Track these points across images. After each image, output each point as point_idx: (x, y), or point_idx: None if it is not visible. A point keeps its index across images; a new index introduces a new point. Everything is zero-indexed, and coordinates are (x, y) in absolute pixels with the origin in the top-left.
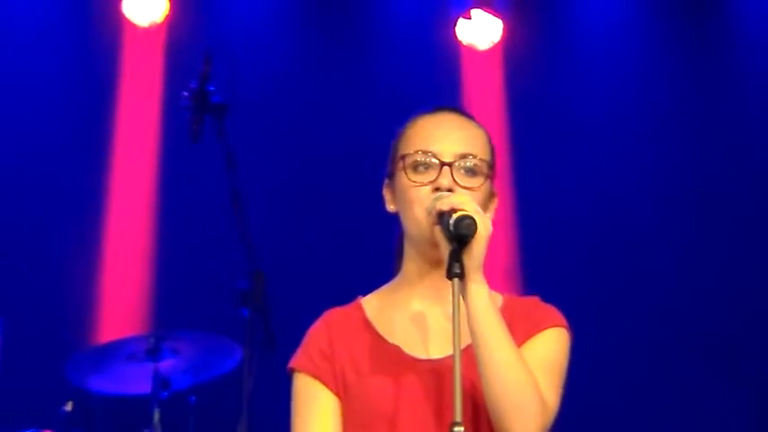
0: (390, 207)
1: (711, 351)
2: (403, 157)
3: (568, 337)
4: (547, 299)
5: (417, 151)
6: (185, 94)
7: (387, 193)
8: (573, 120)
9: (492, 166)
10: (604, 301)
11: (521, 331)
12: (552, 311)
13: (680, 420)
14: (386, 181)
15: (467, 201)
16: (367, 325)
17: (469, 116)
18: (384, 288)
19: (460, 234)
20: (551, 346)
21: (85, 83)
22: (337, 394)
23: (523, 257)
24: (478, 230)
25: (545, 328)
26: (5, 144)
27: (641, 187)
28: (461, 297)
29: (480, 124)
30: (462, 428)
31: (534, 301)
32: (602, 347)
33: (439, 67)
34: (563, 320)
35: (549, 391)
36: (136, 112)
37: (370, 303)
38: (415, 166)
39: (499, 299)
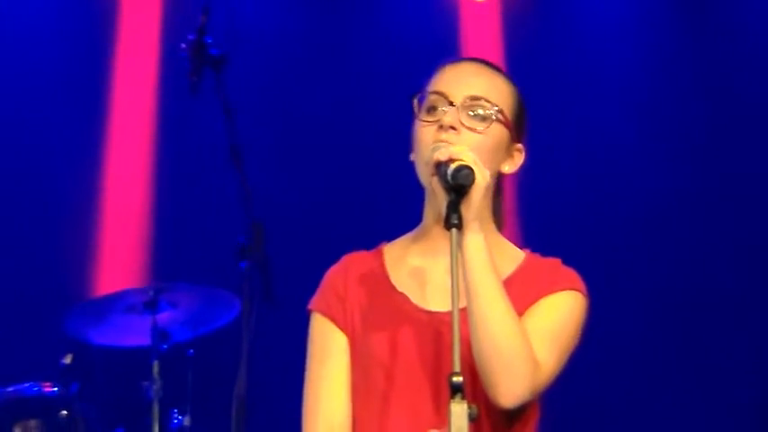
0: (411, 156)
1: (709, 344)
2: (417, 99)
3: (583, 303)
4: (551, 254)
5: (430, 92)
6: (183, 46)
7: (412, 143)
8: (571, 73)
9: (512, 117)
10: (602, 255)
11: (535, 290)
12: (571, 274)
13: (674, 412)
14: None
15: (465, 151)
16: (382, 272)
17: (499, 69)
18: (406, 236)
19: (458, 184)
20: (561, 308)
21: (83, 35)
22: (348, 337)
23: (522, 212)
24: (476, 180)
25: (559, 290)
26: (2, 96)
27: (644, 143)
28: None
29: (509, 80)
30: (461, 378)
31: (555, 262)
32: (596, 331)
33: (437, 20)
34: (581, 285)
35: (546, 354)
36: (134, 64)
37: (390, 251)
38: (428, 108)
39: (520, 257)
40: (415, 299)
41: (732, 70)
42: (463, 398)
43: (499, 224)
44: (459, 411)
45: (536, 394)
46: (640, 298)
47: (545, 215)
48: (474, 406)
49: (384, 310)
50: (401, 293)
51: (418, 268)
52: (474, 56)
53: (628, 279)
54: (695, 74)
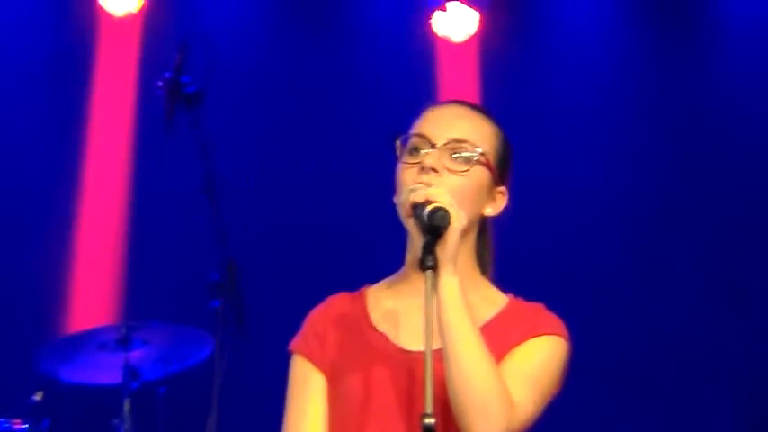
0: (395, 198)
1: (694, 349)
2: (400, 142)
3: (565, 347)
4: (524, 296)
5: (413, 134)
6: (160, 84)
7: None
8: (548, 112)
9: (496, 160)
10: (580, 297)
11: (516, 334)
12: (553, 319)
13: (662, 420)
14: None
15: (441, 193)
16: (363, 312)
17: (485, 112)
18: (388, 278)
19: (433, 225)
20: (541, 353)
21: (60, 72)
22: (326, 377)
23: (500, 251)
24: (452, 223)
25: (540, 335)
26: None
27: (620, 181)
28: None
29: (494, 122)
30: (433, 420)
31: (538, 307)
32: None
33: (414, 60)
34: (562, 330)
35: (523, 396)
36: (111, 101)
37: (373, 292)
38: (410, 150)
39: (503, 301)
40: (394, 338)
41: (718, 102)
42: None
43: (485, 267)
44: None
45: None
46: (622, 340)
47: (525, 251)
48: None
49: (362, 349)
50: (380, 333)
51: (397, 309)
52: (451, 96)
53: (607, 319)
54: (678, 110)
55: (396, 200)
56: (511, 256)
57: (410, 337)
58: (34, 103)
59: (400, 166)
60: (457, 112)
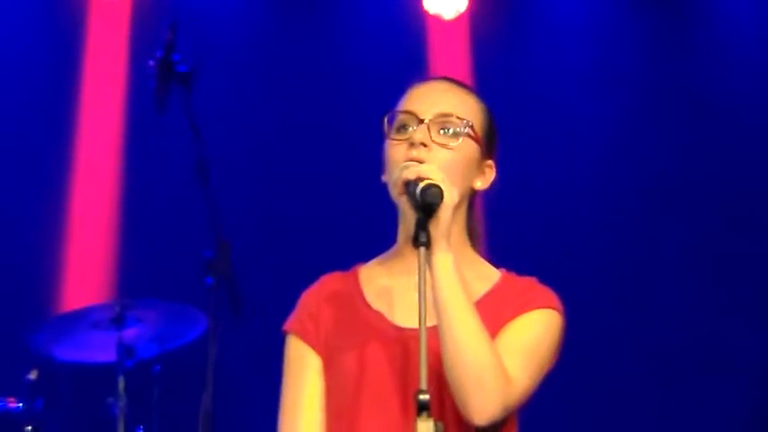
0: (383, 177)
1: (698, 345)
2: (387, 119)
3: (559, 321)
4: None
5: (400, 111)
6: (151, 63)
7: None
8: (539, 90)
9: (483, 133)
10: (572, 284)
11: (510, 308)
12: (547, 293)
13: (663, 415)
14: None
15: (433, 169)
16: (357, 291)
17: (468, 87)
18: (381, 256)
19: (426, 203)
20: (536, 327)
21: (51, 52)
22: (322, 358)
23: (491, 227)
24: (444, 199)
25: (534, 308)
26: None
27: (611, 160)
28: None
29: (478, 97)
30: (428, 396)
31: (531, 281)
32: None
33: (405, 37)
34: (556, 303)
35: (519, 370)
36: (101, 81)
37: (365, 271)
38: (398, 127)
39: (496, 276)
40: (389, 316)
41: (707, 63)
42: (429, 415)
43: (474, 242)
44: (425, 429)
45: (509, 411)
46: (618, 317)
47: (513, 232)
48: (440, 423)
49: (357, 328)
50: (376, 311)
51: (391, 286)
52: (442, 73)
53: (600, 296)
54: (672, 84)
55: (385, 178)
56: (503, 234)
57: (405, 315)
58: (25, 84)
59: (388, 143)
60: (442, 87)
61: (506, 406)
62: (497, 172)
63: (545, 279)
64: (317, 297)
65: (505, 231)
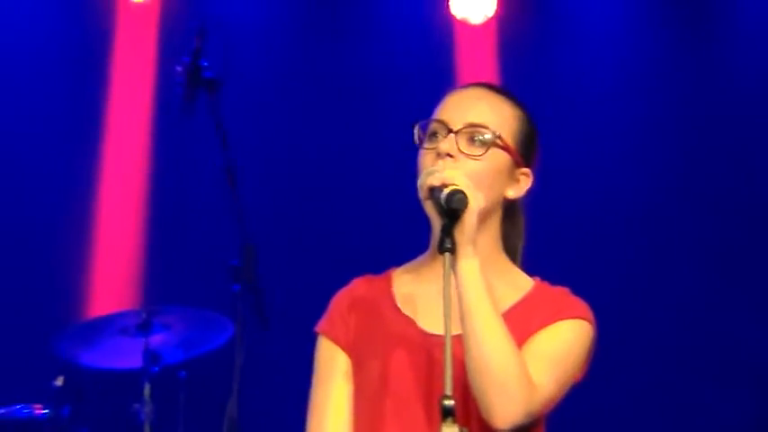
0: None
1: (707, 341)
2: (420, 127)
3: (590, 331)
4: (535, 273)
5: (433, 120)
6: (178, 69)
7: None
8: (566, 95)
9: (516, 142)
10: (599, 264)
11: (540, 317)
12: (578, 303)
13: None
14: None
15: (458, 175)
16: (389, 295)
17: (506, 93)
18: (414, 261)
19: (451, 209)
20: (564, 336)
21: (79, 58)
22: (351, 359)
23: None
24: (469, 205)
25: (564, 318)
26: None
27: (637, 166)
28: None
29: (516, 103)
30: (452, 402)
31: (563, 291)
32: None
33: (432, 42)
34: (588, 314)
35: (544, 378)
36: (129, 87)
37: (398, 275)
38: (429, 135)
39: (529, 284)
40: (421, 322)
41: (729, 73)
42: (454, 421)
43: (513, 252)
44: None
45: (532, 417)
46: (645, 318)
47: (545, 235)
48: (466, 429)
49: (382, 332)
50: (406, 316)
51: (419, 292)
52: (470, 79)
53: (624, 286)
54: (692, 90)
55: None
56: (532, 230)
57: (432, 321)
58: (54, 90)
59: (421, 151)
60: (476, 94)
61: (529, 412)
62: (535, 179)
63: (569, 282)
64: (348, 300)
65: (537, 232)
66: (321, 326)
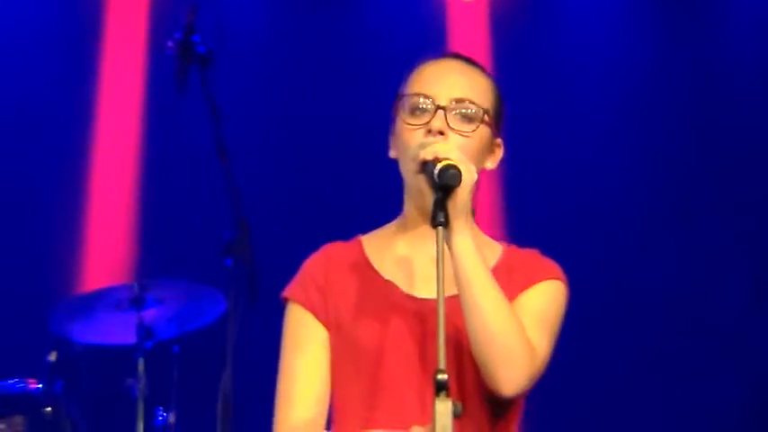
0: (392, 153)
1: (698, 332)
2: (401, 101)
3: (565, 291)
4: (529, 239)
5: (414, 94)
6: (170, 44)
7: (391, 140)
8: (558, 72)
9: (494, 114)
10: (590, 254)
11: (518, 282)
12: (550, 265)
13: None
14: (390, 128)
15: (451, 149)
16: (365, 261)
17: (476, 64)
18: (383, 228)
19: (444, 183)
20: (546, 297)
21: (70, 32)
22: (327, 327)
23: (508, 208)
24: (463, 179)
25: (541, 280)
26: None
27: (629, 141)
28: (446, 245)
29: (488, 74)
30: (446, 376)
31: (534, 253)
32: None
33: (424, 19)
34: (561, 274)
35: (541, 341)
36: (121, 61)
37: (370, 241)
38: (412, 110)
39: (498, 249)
40: (402, 286)
41: (721, 68)
42: (448, 395)
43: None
44: (443, 410)
45: (533, 381)
46: (628, 295)
47: (530, 212)
48: (458, 403)
49: (372, 298)
50: (388, 281)
51: (404, 257)
52: (462, 48)
53: (614, 275)
54: (683, 71)
55: (394, 154)
56: (520, 209)
57: (419, 285)
58: (45, 64)
59: (402, 126)
60: (456, 68)
61: (532, 376)
62: (506, 149)
63: (561, 251)
64: (324, 268)
65: (518, 210)
66: (292, 292)
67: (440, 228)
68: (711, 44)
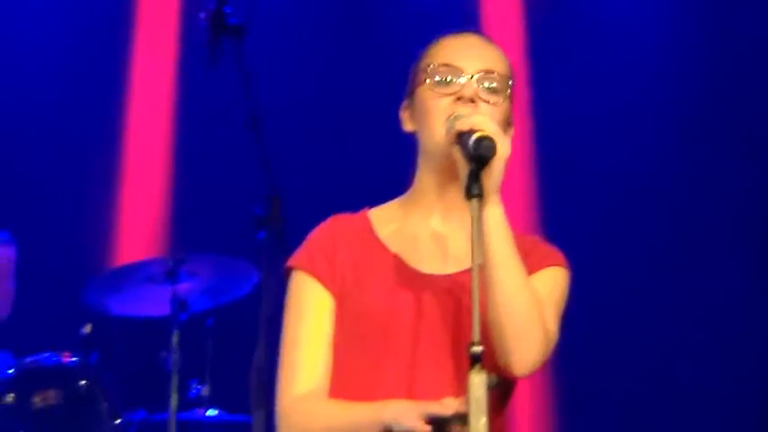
0: (407, 126)
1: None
2: (426, 71)
3: (568, 277)
4: (562, 228)
5: (441, 64)
6: (202, 15)
7: (404, 114)
8: (592, 47)
9: (512, 87)
10: (620, 237)
11: (528, 264)
12: (553, 251)
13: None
14: (404, 102)
15: (486, 121)
16: (371, 234)
17: (491, 40)
18: (394, 201)
19: (480, 155)
20: (552, 282)
21: (104, 6)
22: (334, 296)
23: (541, 185)
24: (498, 151)
25: (548, 266)
26: (26, 73)
27: (666, 114)
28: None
29: (502, 49)
30: (480, 348)
31: (536, 239)
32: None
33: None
34: (564, 260)
35: (551, 323)
36: (153, 34)
37: (377, 214)
38: (438, 79)
39: None
40: (408, 261)
41: (753, 68)
42: (482, 367)
43: None
44: (478, 382)
45: (544, 363)
46: (651, 235)
47: (564, 202)
48: (494, 375)
49: (379, 272)
50: (394, 254)
51: (408, 231)
52: (495, 36)
53: (642, 219)
54: (714, 60)
55: (411, 127)
56: (553, 202)
57: (424, 260)
58: (78, 38)
59: (428, 94)
60: (476, 41)
61: (545, 357)
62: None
63: (593, 248)
64: (331, 237)
65: (561, 182)
66: (299, 261)
67: (474, 200)
68: (750, 39)
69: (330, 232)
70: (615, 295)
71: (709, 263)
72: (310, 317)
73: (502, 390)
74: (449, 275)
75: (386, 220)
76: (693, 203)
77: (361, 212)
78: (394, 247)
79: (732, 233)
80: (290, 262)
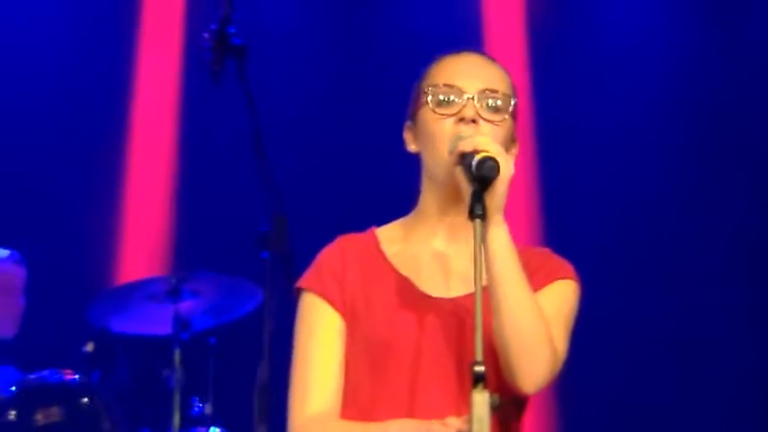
0: (411, 147)
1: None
2: (427, 92)
3: (578, 290)
4: (566, 242)
5: (442, 85)
6: (205, 35)
7: (407, 135)
8: (596, 61)
9: (515, 107)
10: (623, 251)
11: (534, 281)
12: (563, 264)
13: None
14: (407, 123)
15: (489, 142)
16: (380, 254)
17: (492, 59)
18: (399, 221)
19: (483, 176)
20: (561, 297)
21: (107, 25)
22: (344, 317)
23: (544, 201)
24: (501, 172)
25: (557, 279)
26: (27, 85)
27: (669, 130)
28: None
29: (504, 67)
30: (483, 368)
31: (546, 252)
32: (613, 296)
33: (459, 13)
34: (573, 273)
35: (559, 340)
36: (157, 54)
37: (384, 234)
38: (440, 100)
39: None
40: (419, 283)
41: (757, 70)
42: (485, 387)
43: None
44: (480, 401)
45: (553, 379)
46: (657, 250)
47: (567, 212)
48: (496, 395)
49: (389, 294)
50: (405, 277)
51: (415, 253)
52: (497, 44)
53: (647, 232)
54: (718, 64)
55: (416, 148)
56: (557, 209)
57: (432, 283)
58: (82, 58)
59: (430, 116)
60: (480, 61)
61: (553, 374)
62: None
63: (598, 256)
64: (340, 258)
65: (564, 197)
66: (308, 282)
67: (477, 221)
68: (752, 42)
69: (339, 253)
70: (617, 307)
71: (711, 275)
72: (321, 338)
73: (515, 408)
74: (453, 299)
75: (394, 239)
76: (696, 216)
77: (368, 231)
78: (403, 269)
79: (734, 246)
80: (300, 283)
